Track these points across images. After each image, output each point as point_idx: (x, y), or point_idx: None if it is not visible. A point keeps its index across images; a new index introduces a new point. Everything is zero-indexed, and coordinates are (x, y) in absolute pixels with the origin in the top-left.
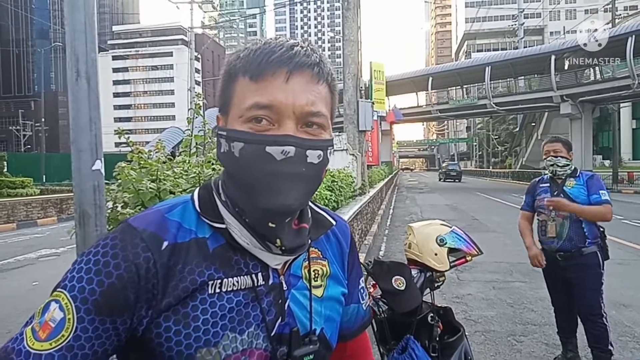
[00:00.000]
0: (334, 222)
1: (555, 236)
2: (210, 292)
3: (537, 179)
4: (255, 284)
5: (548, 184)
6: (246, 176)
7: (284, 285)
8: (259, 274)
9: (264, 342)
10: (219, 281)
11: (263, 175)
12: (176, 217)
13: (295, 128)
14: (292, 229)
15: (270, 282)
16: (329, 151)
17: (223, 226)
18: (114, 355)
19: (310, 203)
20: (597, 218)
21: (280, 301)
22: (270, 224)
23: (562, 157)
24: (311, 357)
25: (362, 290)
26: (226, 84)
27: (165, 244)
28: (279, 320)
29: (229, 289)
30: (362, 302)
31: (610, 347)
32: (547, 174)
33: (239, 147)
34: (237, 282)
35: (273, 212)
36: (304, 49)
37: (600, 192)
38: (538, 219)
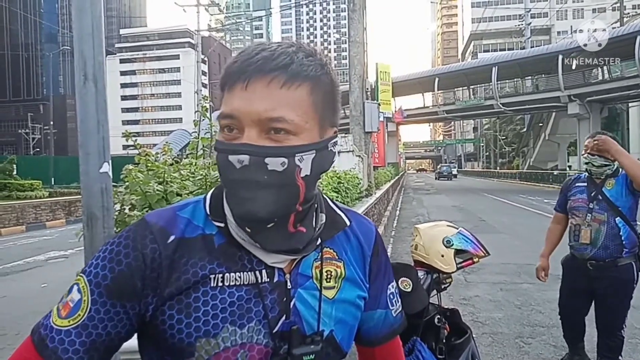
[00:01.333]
0: (347, 223)
1: (590, 243)
2: (212, 285)
3: (572, 177)
4: (259, 281)
5: (585, 184)
6: (223, 182)
7: (289, 284)
8: (263, 271)
9: (265, 338)
10: (221, 275)
11: (229, 183)
12: (187, 214)
13: (259, 135)
14: (288, 232)
15: (275, 279)
16: (297, 158)
17: (222, 225)
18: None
19: (330, 202)
20: (638, 169)
21: (284, 299)
22: (246, 229)
23: (600, 156)
24: (312, 357)
25: (391, 296)
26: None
27: (172, 237)
28: (283, 317)
29: (231, 284)
30: (391, 308)
31: (620, 357)
32: (584, 172)
33: (215, 155)
34: (240, 277)
35: (243, 218)
36: (273, 52)
37: None
38: (571, 223)
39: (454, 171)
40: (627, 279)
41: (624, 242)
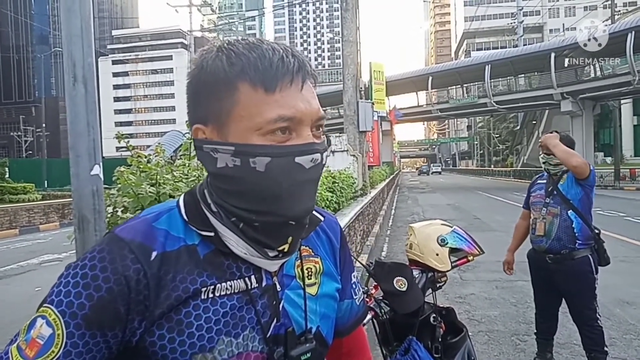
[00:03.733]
0: (322, 218)
1: (544, 235)
2: (203, 297)
3: (537, 175)
4: (249, 287)
5: (545, 181)
6: (272, 187)
7: (278, 286)
8: (252, 277)
9: (259, 344)
10: (212, 287)
11: (294, 185)
12: (163, 225)
13: (311, 134)
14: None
15: (264, 284)
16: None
17: (211, 234)
18: None
19: None
20: (567, 156)
21: (274, 302)
22: (290, 222)
23: (554, 154)
24: (308, 355)
25: (354, 286)
26: (214, 92)
27: (154, 254)
28: (274, 321)
29: (222, 294)
30: (355, 297)
31: (606, 348)
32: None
33: (264, 161)
34: (231, 286)
35: (302, 215)
36: (301, 57)
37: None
38: (531, 218)
39: (439, 169)
40: (584, 271)
41: (576, 234)
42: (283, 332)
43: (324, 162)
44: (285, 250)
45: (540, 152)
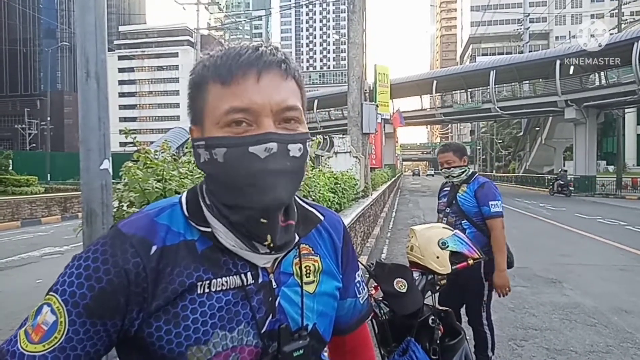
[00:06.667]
0: (321, 217)
1: None
2: (199, 292)
3: (444, 182)
4: (245, 284)
5: (449, 189)
6: (234, 179)
7: (274, 283)
8: (248, 274)
9: (254, 338)
10: (208, 282)
11: (251, 175)
12: (165, 220)
13: (274, 125)
14: (280, 225)
15: (260, 280)
16: (308, 144)
17: (209, 230)
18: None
19: (299, 200)
20: (499, 240)
21: (270, 299)
22: (262, 220)
23: (455, 166)
24: (301, 352)
25: (358, 285)
26: (195, 94)
27: (154, 248)
28: (270, 317)
29: (218, 289)
30: (358, 296)
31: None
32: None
33: (221, 152)
34: (227, 282)
35: (266, 208)
36: (269, 49)
37: (490, 203)
38: None
39: (432, 172)
40: (471, 276)
41: None
42: (277, 328)
43: (293, 154)
44: (271, 245)
45: (441, 168)
